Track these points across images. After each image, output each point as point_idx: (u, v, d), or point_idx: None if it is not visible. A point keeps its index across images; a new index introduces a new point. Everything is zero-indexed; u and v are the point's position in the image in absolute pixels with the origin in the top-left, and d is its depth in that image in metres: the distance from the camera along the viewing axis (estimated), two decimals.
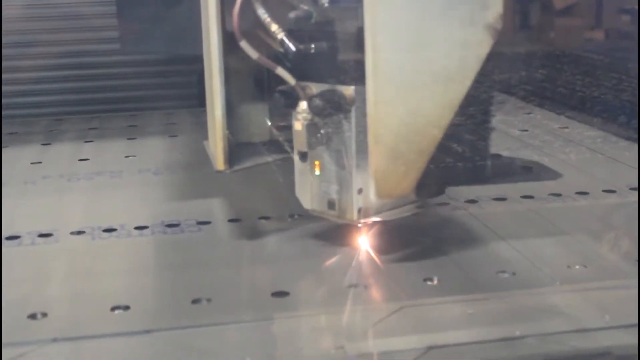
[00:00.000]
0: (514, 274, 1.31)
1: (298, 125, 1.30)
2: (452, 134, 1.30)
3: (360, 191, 1.31)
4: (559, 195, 1.69)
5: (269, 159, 1.58)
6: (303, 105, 1.30)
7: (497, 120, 2.35)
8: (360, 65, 1.23)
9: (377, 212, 1.35)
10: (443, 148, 1.30)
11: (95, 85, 2.68)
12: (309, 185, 1.36)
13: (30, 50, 2.65)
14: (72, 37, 2.66)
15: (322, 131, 1.30)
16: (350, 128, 1.29)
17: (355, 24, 1.25)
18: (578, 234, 1.47)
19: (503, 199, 1.67)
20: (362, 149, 1.28)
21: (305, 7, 1.29)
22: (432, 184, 1.35)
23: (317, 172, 1.35)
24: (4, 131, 2.42)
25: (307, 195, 1.37)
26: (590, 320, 1.15)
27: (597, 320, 1.15)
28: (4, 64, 2.61)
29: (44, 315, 1.20)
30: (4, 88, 2.61)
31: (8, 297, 1.27)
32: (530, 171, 1.47)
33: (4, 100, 2.62)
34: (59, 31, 2.65)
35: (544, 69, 3.26)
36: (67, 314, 1.22)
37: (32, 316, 1.20)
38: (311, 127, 1.29)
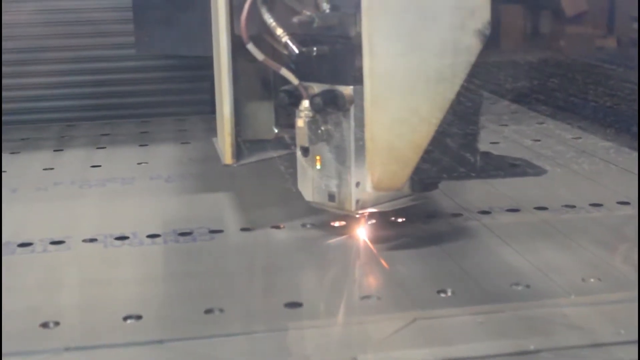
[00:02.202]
0: (528, 286, 1.30)
1: (300, 122, 1.40)
2: (444, 132, 1.36)
3: (358, 184, 1.40)
4: (572, 206, 1.68)
5: (274, 154, 1.64)
6: (305, 103, 1.39)
7: (509, 130, 2.36)
8: (358, 67, 1.31)
9: (374, 204, 1.44)
10: (436, 145, 1.37)
11: (108, 91, 2.68)
12: (311, 178, 1.45)
13: (42, 55, 2.65)
14: (85, 43, 2.66)
15: (322, 128, 1.40)
16: (348, 125, 1.38)
17: (354, 28, 1.33)
18: (592, 246, 1.46)
19: (516, 210, 1.66)
20: (360, 145, 1.36)
21: (308, 13, 1.36)
22: (425, 179, 1.42)
23: (318, 166, 1.43)
24: (16, 137, 2.43)
25: (309, 188, 1.46)
26: (606, 334, 1.14)
27: (612, 335, 1.14)
28: (15, 69, 2.61)
29: (57, 324, 1.20)
30: (15, 93, 2.62)
31: (20, 305, 1.27)
32: (517, 167, 1.53)
33: (15, 106, 2.62)
34: (71, 36, 2.65)
35: (555, 77, 3.25)
36: (80, 322, 1.22)
37: (44, 325, 1.20)
38: (312, 124, 1.39)
